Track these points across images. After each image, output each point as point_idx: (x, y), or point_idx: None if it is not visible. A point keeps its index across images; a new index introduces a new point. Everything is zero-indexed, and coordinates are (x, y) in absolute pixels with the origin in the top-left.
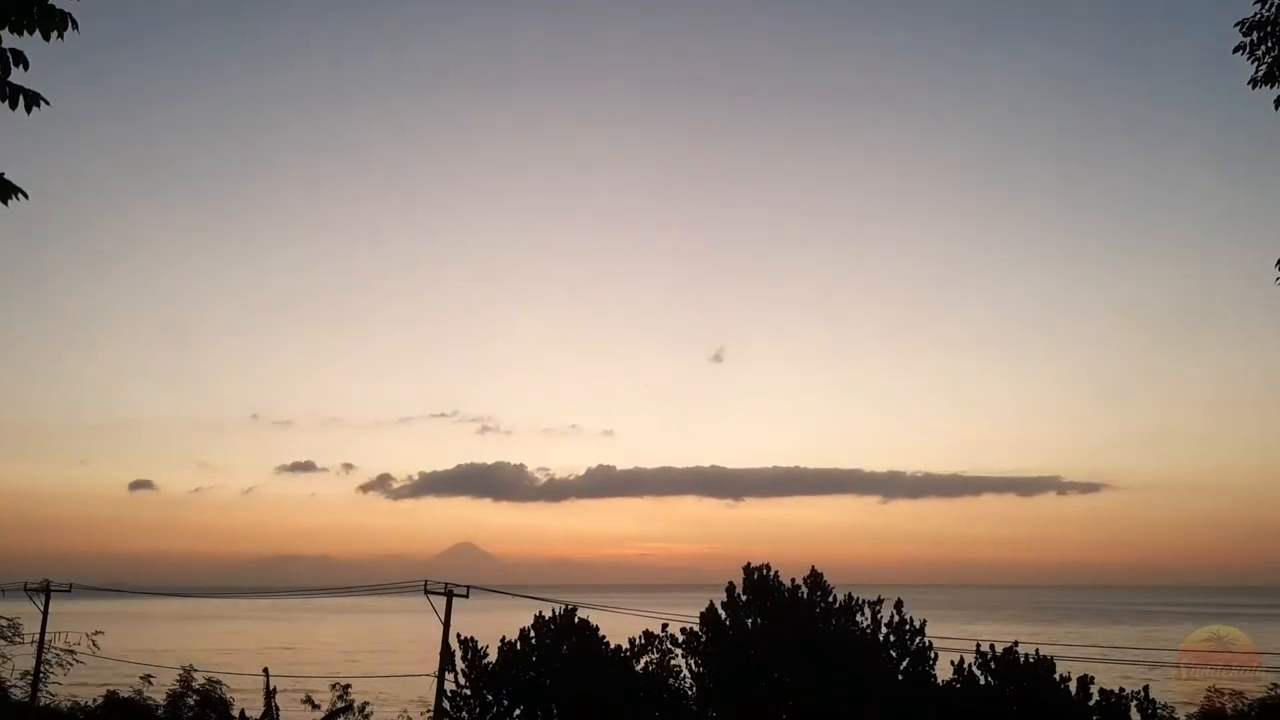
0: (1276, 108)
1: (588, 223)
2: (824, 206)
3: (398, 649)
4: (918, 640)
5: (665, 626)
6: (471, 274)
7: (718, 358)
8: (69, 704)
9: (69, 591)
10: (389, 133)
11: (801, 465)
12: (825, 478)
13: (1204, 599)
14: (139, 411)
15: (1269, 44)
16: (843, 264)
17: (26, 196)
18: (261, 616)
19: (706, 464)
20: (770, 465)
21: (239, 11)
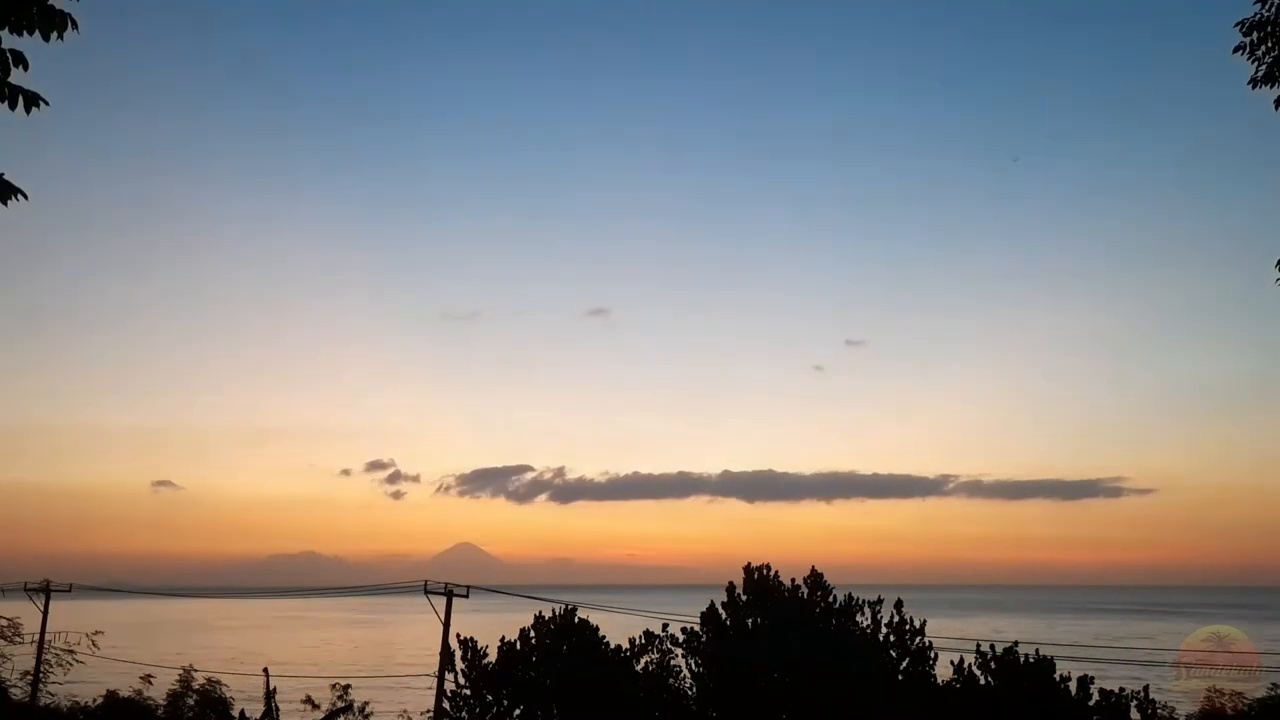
0: (1277, 108)
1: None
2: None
3: (398, 649)
4: (918, 640)
5: (665, 626)
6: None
7: (819, 367)
8: (69, 704)
9: (69, 591)
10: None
11: (856, 470)
12: (880, 482)
13: (1237, 598)
14: (162, 415)
15: (1269, 44)
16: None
17: (26, 197)
18: (262, 616)
19: (763, 468)
20: (819, 470)
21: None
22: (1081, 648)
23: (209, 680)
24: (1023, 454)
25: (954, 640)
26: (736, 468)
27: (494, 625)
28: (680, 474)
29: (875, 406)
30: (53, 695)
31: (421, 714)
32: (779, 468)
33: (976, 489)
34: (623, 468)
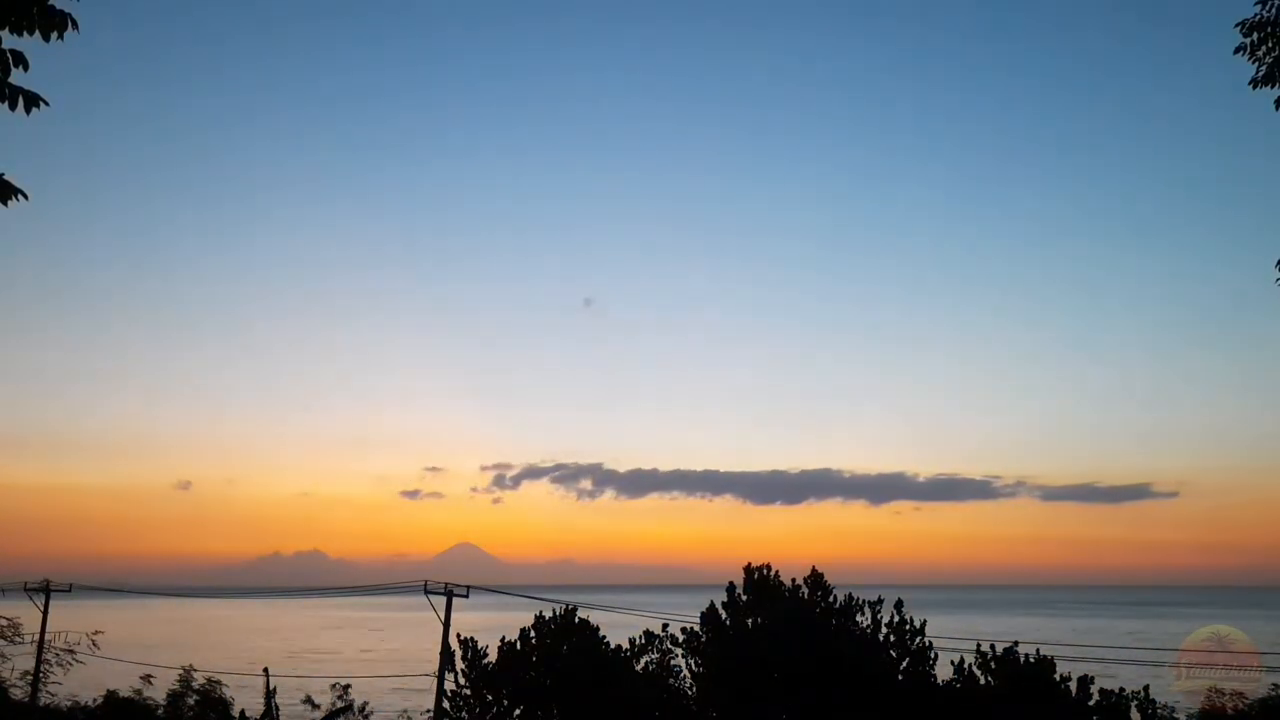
0: (1277, 108)
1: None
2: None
3: (399, 649)
4: (918, 640)
5: (665, 626)
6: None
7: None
8: (69, 704)
9: (69, 591)
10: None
11: (904, 471)
12: (934, 484)
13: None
14: (185, 418)
15: (1269, 44)
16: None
17: (27, 197)
18: (264, 617)
19: (823, 467)
20: (876, 472)
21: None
22: (1082, 647)
23: (209, 680)
24: (1077, 456)
25: (956, 640)
26: (784, 467)
27: (494, 625)
28: (718, 473)
29: (926, 408)
30: (53, 695)
31: (422, 714)
32: (834, 467)
33: (1025, 490)
34: (663, 464)
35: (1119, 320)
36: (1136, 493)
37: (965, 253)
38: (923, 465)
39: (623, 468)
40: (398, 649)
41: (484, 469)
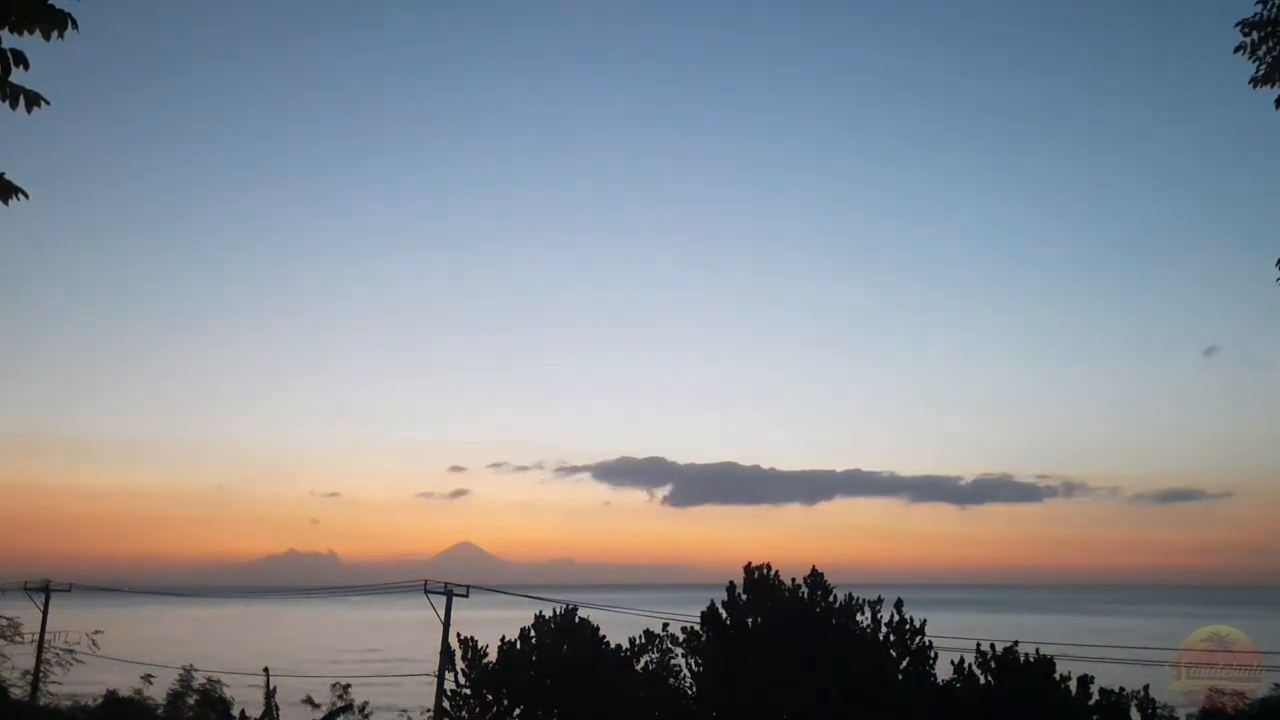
0: (1277, 107)
1: None
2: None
3: (399, 648)
4: (918, 640)
5: (665, 626)
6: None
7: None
8: (69, 704)
9: (69, 591)
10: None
11: (944, 474)
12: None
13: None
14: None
15: (1270, 44)
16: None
17: (27, 196)
18: (264, 617)
19: (865, 468)
20: (923, 474)
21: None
22: (1082, 647)
23: (209, 680)
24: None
25: (954, 640)
26: (821, 466)
27: (494, 625)
28: (759, 468)
29: (971, 410)
30: (53, 695)
31: (422, 714)
32: (875, 468)
33: (1070, 492)
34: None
35: (1163, 321)
36: (1188, 494)
37: (1004, 255)
38: (966, 467)
39: (649, 466)
40: (398, 648)
41: (500, 469)
